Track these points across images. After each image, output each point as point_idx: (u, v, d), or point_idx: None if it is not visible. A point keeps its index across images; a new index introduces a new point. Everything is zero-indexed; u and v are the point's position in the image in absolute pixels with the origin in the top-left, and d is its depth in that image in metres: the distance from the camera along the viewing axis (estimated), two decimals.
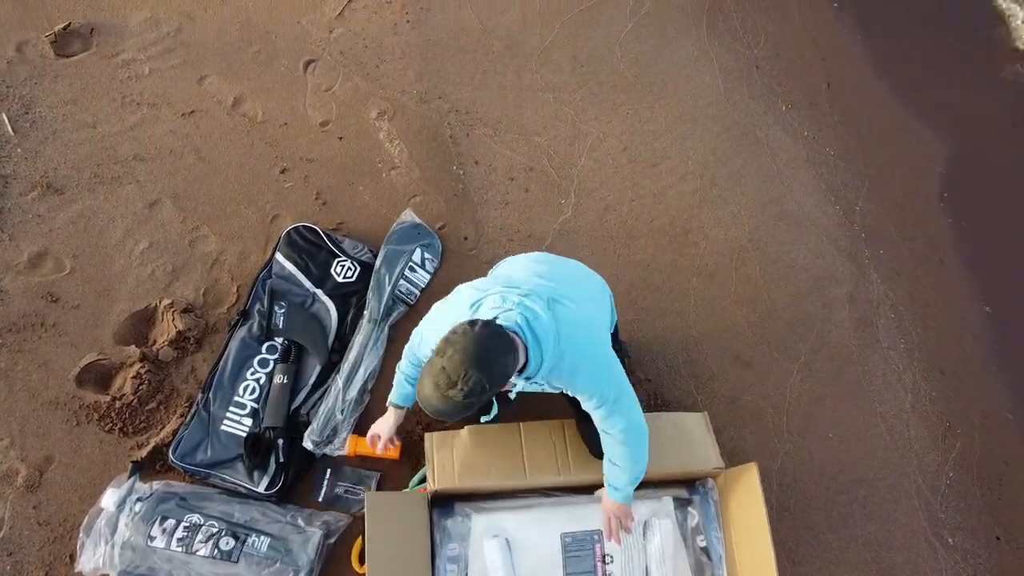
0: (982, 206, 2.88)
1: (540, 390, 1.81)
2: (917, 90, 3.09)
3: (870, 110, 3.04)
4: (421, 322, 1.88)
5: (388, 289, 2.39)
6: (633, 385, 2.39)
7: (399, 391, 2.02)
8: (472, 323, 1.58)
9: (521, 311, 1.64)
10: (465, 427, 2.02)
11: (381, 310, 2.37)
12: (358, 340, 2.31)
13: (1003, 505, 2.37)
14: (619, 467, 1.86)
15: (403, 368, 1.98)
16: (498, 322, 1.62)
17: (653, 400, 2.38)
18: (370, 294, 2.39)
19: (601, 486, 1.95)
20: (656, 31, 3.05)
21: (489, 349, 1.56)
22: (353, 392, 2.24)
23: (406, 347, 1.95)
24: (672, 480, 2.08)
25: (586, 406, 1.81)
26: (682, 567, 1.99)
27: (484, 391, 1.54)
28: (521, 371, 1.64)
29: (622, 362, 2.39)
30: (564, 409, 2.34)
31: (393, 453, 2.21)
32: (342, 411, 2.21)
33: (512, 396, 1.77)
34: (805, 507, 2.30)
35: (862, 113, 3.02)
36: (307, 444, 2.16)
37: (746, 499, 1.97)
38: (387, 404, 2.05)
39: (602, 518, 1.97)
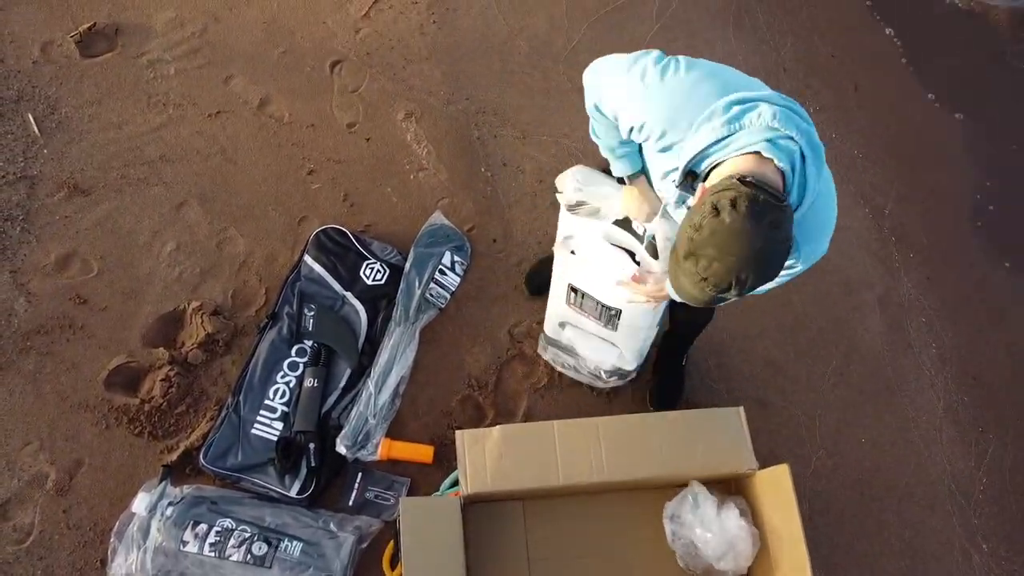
0: (1017, 208, 2.85)
1: None
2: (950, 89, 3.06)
3: (899, 111, 3.01)
4: (608, 85, 1.42)
5: (418, 292, 2.38)
6: None
7: (624, 163, 1.61)
8: (735, 201, 1.11)
9: (800, 145, 1.20)
10: (497, 426, 2.00)
11: (411, 313, 2.35)
12: (388, 344, 2.30)
13: None
14: None
15: (605, 143, 1.59)
16: (768, 155, 1.17)
17: (682, 403, 2.36)
18: (400, 297, 2.37)
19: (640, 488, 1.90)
20: (682, 32, 3.03)
21: (769, 243, 1.12)
22: (385, 396, 2.23)
23: (591, 106, 1.51)
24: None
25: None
26: None
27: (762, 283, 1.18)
28: None
29: (679, 367, 2.37)
30: (597, 407, 2.33)
31: (425, 457, 2.20)
32: (374, 415, 2.19)
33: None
34: (838, 514, 2.28)
35: (890, 114, 2.99)
36: (340, 449, 2.14)
37: (779, 502, 1.94)
38: (625, 179, 1.64)
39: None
